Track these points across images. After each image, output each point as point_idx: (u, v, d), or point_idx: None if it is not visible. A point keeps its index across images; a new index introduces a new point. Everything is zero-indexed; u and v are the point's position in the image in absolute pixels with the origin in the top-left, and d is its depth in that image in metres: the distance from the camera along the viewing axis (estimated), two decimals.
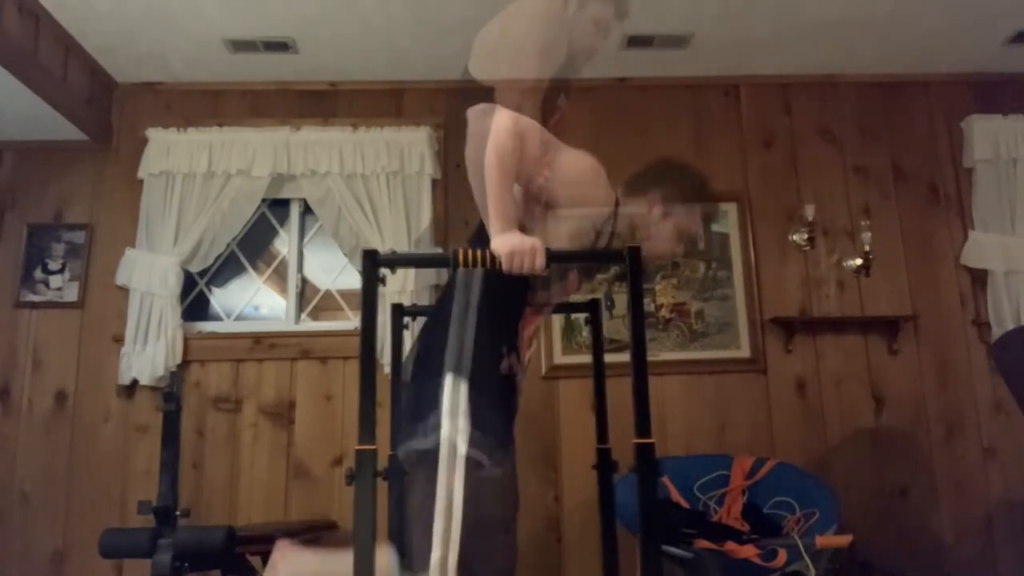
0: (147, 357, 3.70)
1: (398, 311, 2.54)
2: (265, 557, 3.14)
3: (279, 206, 4.17)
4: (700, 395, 3.86)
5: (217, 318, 4.06)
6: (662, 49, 3.89)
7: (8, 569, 3.58)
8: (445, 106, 4.06)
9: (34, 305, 3.85)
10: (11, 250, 3.91)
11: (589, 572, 3.65)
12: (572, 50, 1.97)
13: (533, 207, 1.83)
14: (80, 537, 3.61)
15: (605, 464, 2.24)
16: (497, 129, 1.69)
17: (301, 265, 4.11)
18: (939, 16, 3.65)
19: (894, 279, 4.00)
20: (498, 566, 1.69)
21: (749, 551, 2.66)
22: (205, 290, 4.09)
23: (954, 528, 3.76)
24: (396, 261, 1.89)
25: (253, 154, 3.94)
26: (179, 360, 3.74)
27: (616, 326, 3.84)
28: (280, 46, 3.78)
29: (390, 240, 3.84)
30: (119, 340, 3.76)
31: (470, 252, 1.69)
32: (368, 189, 3.91)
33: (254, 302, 4.10)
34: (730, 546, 2.71)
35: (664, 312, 3.94)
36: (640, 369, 1.67)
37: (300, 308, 4.06)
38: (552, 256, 1.71)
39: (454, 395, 1.74)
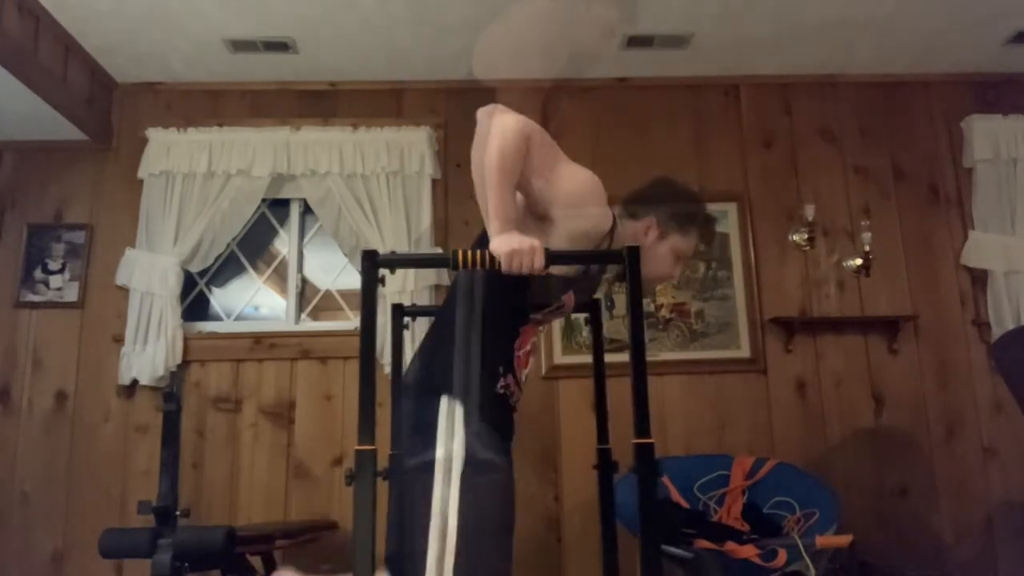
0: (147, 357, 3.70)
1: (398, 311, 2.54)
2: (265, 557, 3.15)
3: (279, 206, 4.17)
4: (700, 395, 3.86)
5: (217, 318, 4.06)
6: (662, 49, 3.89)
7: (8, 569, 3.59)
8: (445, 106, 4.07)
9: (34, 305, 3.85)
10: (11, 250, 3.91)
11: (589, 572, 3.65)
12: (575, 51, 1.96)
13: (527, 217, 1.82)
14: (80, 537, 3.61)
15: (605, 464, 2.24)
16: (503, 129, 1.68)
17: (301, 265, 4.11)
18: (939, 16, 3.65)
19: (894, 279, 4.00)
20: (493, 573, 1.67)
21: (749, 551, 2.66)
22: (205, 290, 4.09)
23: (954, 528, 3.76)
24: (396, 262, 1.89)
25: (253, 154, 3.94)
26: (179, 360, 3.74)
27: (616, 326, 3.84)
28: (280, 46, 3.78)
29: (390, 240, 3.84)
30: (119, 340, 3.76)
31: (469, 253, 1.69)
32: (368, 189, 3.91)
33: (254, 302, 4.10)
34: (730, 546, 2.71)
35: (664, 312, 3.94)
36: (639, 369, 1.67)
37: (300, 308, 4.06)
38: (551, 257, 1.71)
39: (450, 417, 1.75)
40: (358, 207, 3.89)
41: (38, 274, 3.88)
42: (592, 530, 3.64)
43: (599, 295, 2.39)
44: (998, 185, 4.03)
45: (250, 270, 4.12)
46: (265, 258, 4.15)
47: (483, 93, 1.76)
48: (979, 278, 4.00)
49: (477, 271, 1.79)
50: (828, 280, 3.99)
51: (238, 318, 4.07)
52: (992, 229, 3.99)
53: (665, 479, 3.32)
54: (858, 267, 3.91)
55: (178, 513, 3.07)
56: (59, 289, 3.86)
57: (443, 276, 3.78)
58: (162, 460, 3.17)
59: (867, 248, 3.84)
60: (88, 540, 3.53)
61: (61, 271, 3.88)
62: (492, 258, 1.68)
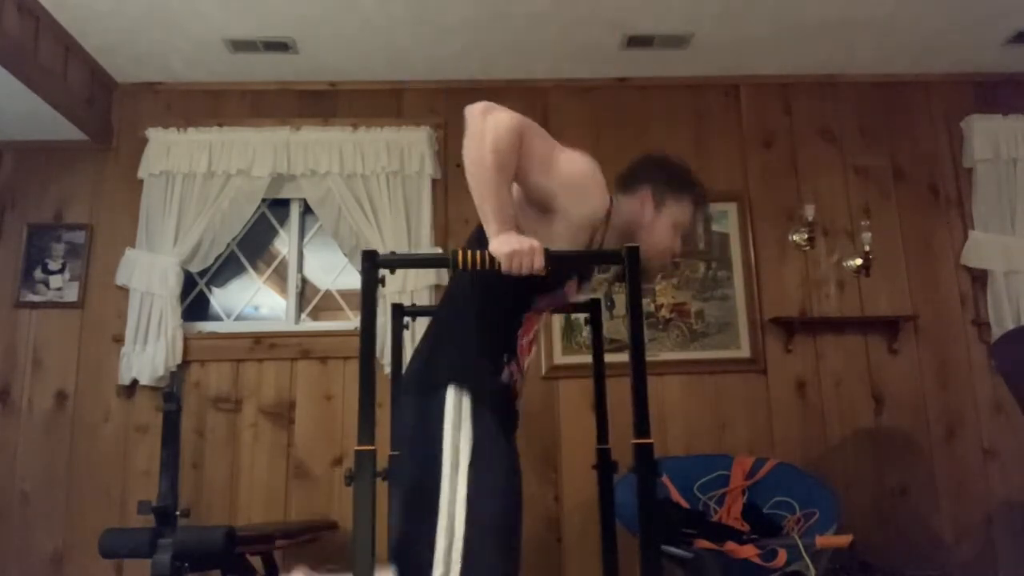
0: (147, 357, 3.70)
1: (398, 311, 2.54)
2: (265, 557, 3.15)
3: (279, 206, 4.17)
4: (700, 395, 3.86)
5: (217, 318, 4.06)
6: (662, 49, 3.89)
7: (8, 569, 3.59)
8: (445, 106, 4.07)
9: (34, 305, 3.85)
10: (11, 250, 3.91)
11: (589, 572, 3.65)
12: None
13: (527, 208, 1.81)
14: (80, 537, 3.61)
15: (605, 464, 2.24)
16: (495, 127, 1.67)
17: (301, 265, 4.11)
18: (939, 16, 3.65)
19: (894, 279, 3.99)
20: (502, 570, 1.67)
21: (749, 551, 2.66)
22: (205, 290, 4.09)
23: (954, 528, 3.76)
24: (396, 262, 1.90)
25: (253, 154, 3.94)
26: (179, 360, 3.74)
27: (616, 326, 3.84)
28: (280, 46, 3.78)
29: (390, 240, 3.84)
30: (119, 340, 3.77)
31: (469, 253, 1.69)
32: (368, 189, 3.91)
33: (254, 302, 4.10)
34: (730, 546, 2.71)
35: (664, 312, 3.94)
36: (639, 369, 1.68)
37: (300, 308, 4.06)
38: (551, 257, 1.71)
39: (457, 408, 1.74)
40: (358, 207, 3.89)
41: (38, 274, 3.88)
42: (592, 530, 3.65)
43: (599, 295, 2.40)
44: (998, 185, 4.03)
45: (250, 270, 4.12)
46: (265, 258, 4.15)
47: (483, 93, 1.75)
48: (979, 278, 4.00)
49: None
50: (828, 280, 3.99)
51: (238, 318, 4.07)
52: (992, 229, 3.99)
53: (665, 479, 3.33)
54: (858, 267, 3.91)
55: (178, 513, 3.07)
56: (59, 289, 3.86)
57: (443, 276, 3.78)
58: (162, 460, 3.17)
59: (867, 248, 3.84)
60: (88, 540, 3.52)
61: (61, 271, 3.88)
62: (492, 259, 1.68)
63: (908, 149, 4.16)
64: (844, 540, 2.70)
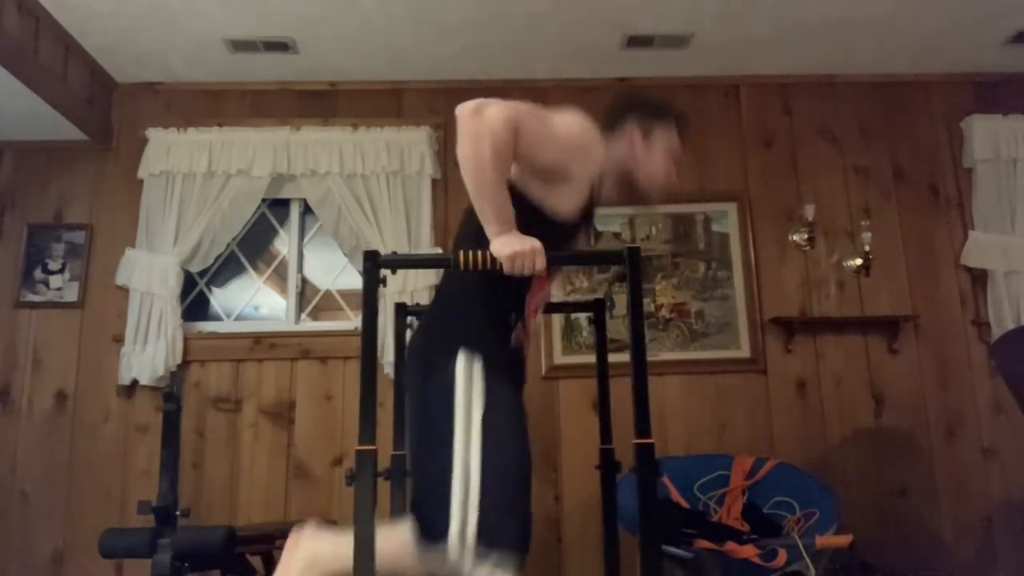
0: (147, 357, 3.70)
1: (401, 311, 2.54)
2: (265, 557, 3.15)
3: (279, 206, 4.17)
4: (700, 395, 3.86)
5: (217, 318, 4.06)
6: (662, 49, 3.89)
7: (8, 569, 3.59)
8: (445, 106, 4.06)
9: (34, 305, 3.85)
10: (11, 250, 3.91)
11: (589, 572, 3.65)
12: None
13: (532, 181, 1.80)
14: (80, 537, 3.61)
15: (608, 464, 2.24)
16: (490, 126, 1.65)
17: (301, 265, 4.11)
18: (939, 16, 3.65)
19: (894, 279, 4.00)
20: (515, 533, 1.69)
21: (749, 551, 2.66)
22: (205, 290, 4.09)
23: (954, 528, 3.76)
24: (397, 263, 1.90)
25: (253, 154, 3.94)
26: (179, 360, 3.74)
27: (616, 326, 3.84)
28: (280, 46, 3.78)
29: (390, 240, 3.84)
30: (119, 340, 3.76)
31: (471, 254, 1.69)
32: (368, 189, 3.91)
33: (254, 302, 4.10)
34: (730, 546, 2.71)
35: (664, 312, 3.94)
36: (640, 369, 1.68)
37: (300, 308, 4.06)
38: (552, 258, 1.72)
39: (468, 368, 1.75)
40: (358, 207, 3.89)
41: (38, 274, 3.88)
42: (592, 530, 3.65)
43: (600, 295, 2.40)
44: (998, 185, 4.03)
45: (250, 270, 4.12)
46: (265, 258, 4.15)
47: (483, 93, 1.75)
48: (979, 278, 4.00)
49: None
50: (828, 280, 3.99)
51: (238, 318, 4.07)
52: (992, 229, 3.99)
53: (665, 479, 3.33)
54: (858, 267, 3.91)
55: (178, 513, 3.07)
56: (59, 289, 3.86)
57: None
58: (162, 460, 3.17)
59: (867, 248, 3.85)
60: (88, 540, 3.53)
61: (61, 271, 3.88)
62: (494, 260, 1.68)
63: (908, 149, 4.16)
64: (844, 540, 2.71)
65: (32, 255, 3.89)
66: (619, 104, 2.05)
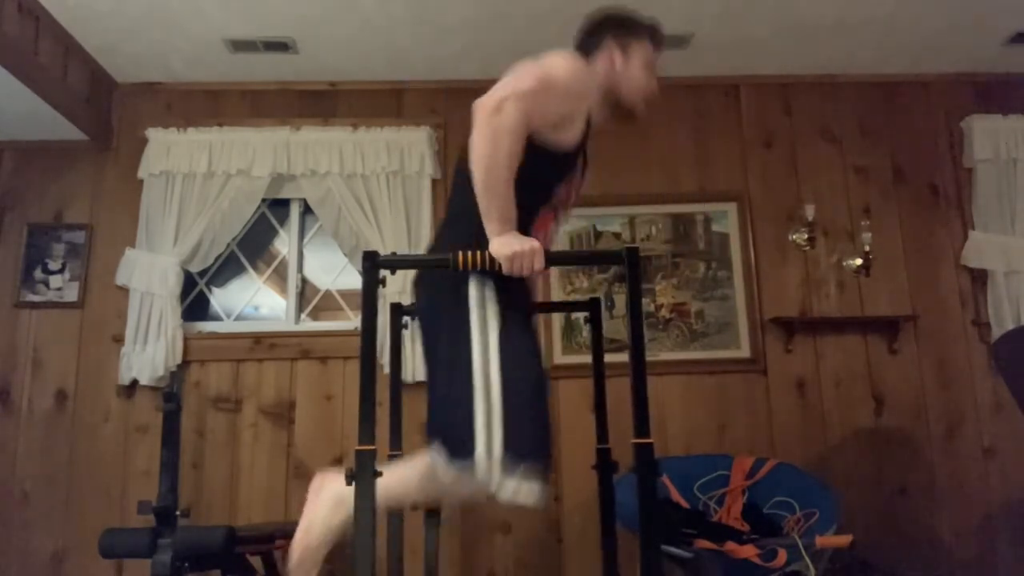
0: (147, 357, 3.70)
1: (397, 311, 2.54)
2: (265, 557, 3.15)
3: (279, 206, 4.17)
4: (700, 395, 3.86)
5: (217, 318, 4.06)
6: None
7: (8, 569, 3.59)
8: (445, 106, 4.07)
9: (34, 305, 3.85)
10: (11, 250, 3.91)
11: (589, 572, 3.65)
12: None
13: (537, 131, 1.81)
14: (80, 537, 3.61)
15: (605, 464, 2.25)
16: (508, 126, 1.68)
17: (301, 265, 4.11)
18: (939, 16, 3.65)
19: (894, 279, 4.00)
20: (540, 444, 1.73)
21: (749, 551, 2.66)
22: (205, 290, 4.09)
23: (954, 528, 3.76)
24: (397, 263, 1.90)
25: (253, 154, 3.94)
26: (179, 360, 3.74)
27: (616, 326, 3.84)
28: (280, 46, 3.78)
29: (390, 240, 3.85)
30: (119, 340, 3.77)
31: (470, 254, 1.69)
32: (368, 189, 3.92)
33: (254, 302, 4.10)
34: (730, 546, 2.71)
35: (664, 312, 3.94)
36: (639, 369, 1.68)
37: (300, 308, 4.06)
38: (551, 258, 1.72)
39: (480, 292, 1.78)
40: (358, 207, 3.89)
41: (38, 274, 3.88)
42: (592, 530, 3.65)
43: (599, 295, 2.40)
44: (998, 185, 4.03)
45: (250, 270, 4.12)
46: (265, 258, 4.15)
47: (483, 93, 1.75)
48: (979, 278, 4.00)
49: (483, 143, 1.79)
50: (828, 280, 3.99)
51: (238, 318, 4.07)
52: (992, 229, 3.99)
53: (665, 479, 3.33)
54: (858, 267, 3.91)
55: (178, 513, 3.07)
56: (59, 289, 3.86)
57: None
58: (162, 460, 3.17)
59: (867, 248, 3.85)
60: (88, 540, 3.53)
61: (61, 271, 3.88)
62: (493, 260, 1.68)
63: (908, 149, 4.16)
64: (844, 540, 2.70)
65: (32, 255, 3.90)
66: (593, 25, 2.07)
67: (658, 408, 3.77)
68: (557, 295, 3.86)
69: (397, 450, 2.51)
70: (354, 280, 4.07)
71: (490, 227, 1.71)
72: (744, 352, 3.90)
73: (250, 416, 3.79)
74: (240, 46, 3.76)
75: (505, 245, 1.67)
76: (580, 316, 3.88)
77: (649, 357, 1.73)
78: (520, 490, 1.66)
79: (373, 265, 1.71)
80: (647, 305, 3.92)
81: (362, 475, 1.63)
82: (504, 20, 3.59)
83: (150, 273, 3.77)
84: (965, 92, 4.21)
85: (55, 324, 3.84)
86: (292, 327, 3.99)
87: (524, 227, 1.79)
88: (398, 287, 3.74)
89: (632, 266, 1.72)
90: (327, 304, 4.10)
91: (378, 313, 1.74)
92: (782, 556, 2.64)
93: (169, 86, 4.11)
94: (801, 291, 3.98)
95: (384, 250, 3.74)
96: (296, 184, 4.01)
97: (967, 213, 4.07)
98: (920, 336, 3.94)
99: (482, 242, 1.74)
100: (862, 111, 4.19)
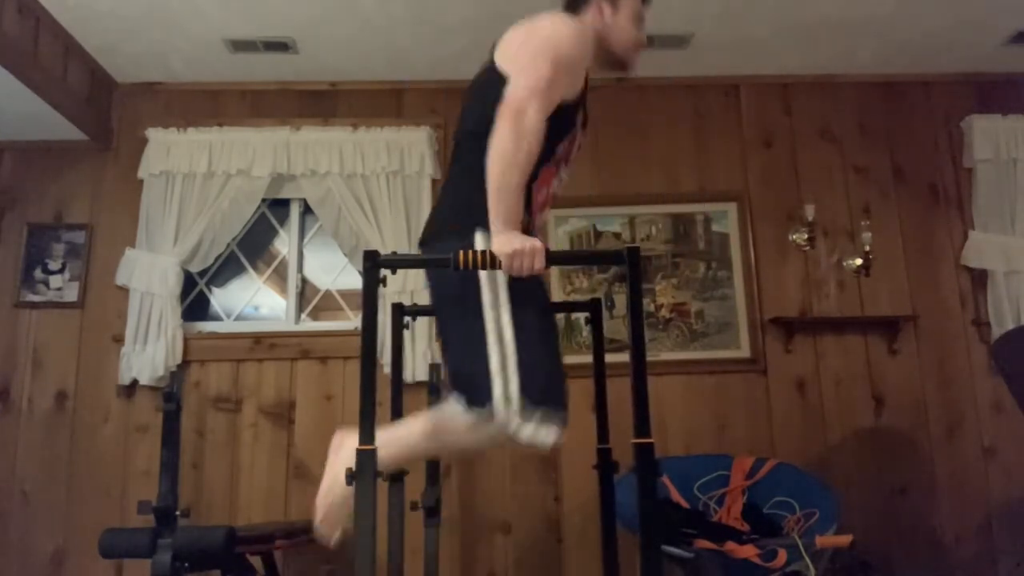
0: (147, 357, 3.70)
1: (398, 311, 2.54)
2: (265, 557, 3.15)
3: (279, 206, 4.17)
4: (700, 395, 3.86)
5: (217, 318, 4.06)
6: (662, 49, 3.89)
7: (8, 569, 3.59)
8: (445, 106, 4.07)
9: (34, 305, 3.85)
10: (11, 250, 3.91)
11: (589, 572, 3.65)
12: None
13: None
14: (80, 537, 3.61)
15: (606, 464, 2.24)
16: (530, 130, 1.72)
17: (301, 265, 4.11)
18: (939, 16, 3.65)
19: (894, 279, 4.00)
20: (555, 388, 1.77)
21: (749, 551, 2.66)
22: (205, 290, 4.09)
23: (954, 528, 3.76)
24: (397, 262, 1.90)
25: (253, 154, 3.94)
26: (179, 360, 3.74)
27: (616, 326, 3.84)
28: (280, 46, 3.78)
29: (390, 240, 3.85)
30: (119, 340, 3.77)
31: (471, 253, 1.69)
32: (368, 189, 3.92)
33: (254, 302, 4.10)
34: (730, 546, 2.71)
35: (664, 312, 3.94)
36: (639, 369, 1.68)
37: (300, 308, 4.06)
38: (552, 258, 1.72)
39: (487, 245, 1.79)
40: (358, 207, 3.89)
41: (38, 274, 3.88)
42: (592, 530, 3.65)
43: (599, 295, 2.40)
44: (998, 185, 4.03)
45: (250, 270, 4.12)
46: (265, 258, 4.15)
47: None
48: (979, 278, 4.00)
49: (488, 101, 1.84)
50: (828, 280, 3.99)
51: (238, 318, 4.07)
52: (992, 229, 3.99)
53: (665, 479, 3.33)
54: (858, 267, 3.91)
55: (178, 513, 3.07)
56: (59, 289, 3.86)
57: None
58: (162, 460, 3.17)
59: (867, 248, 3.85)
60: (88, 540, 3.54)
61: (61, 271, 3.88)
62: (494, 258, 1.69)
63: (908, 149, 4.16)
64: (844, 540, 2.70)
65: (32, 255, 3.89)
66: None
67: (658, 408, 3.77)
68: (557, 295, 3.86)
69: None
70: (354, 280, 4.07)
71: (495, 223, 1.72)
72: (744, 352, 3.90)
73: (250, 416, 3.79)
74: (240, 46, 3.76)
75: (507, 243, 1.68)
76: (580, 316, 3.89)
77: (649, 357, 1.73)
78: (538, 433, 1.71)
79: (374, 265, 1.71)
80: (647, 305, 3.92)
81: (362, 475, 1.63)
82: (504, 20, 3.54)
83: (150, 273, 3.77)
84: (965, 92, 4.21)
85: (55, 324, 3.84)
86: (292, 327, 3.99)
87: (527, 184, 1.82)
88: (397, 287, 3.74)
89: (633, 266, 1.72)
90: (327, 304, 4.10)
91: (378, 312, 1.74)
92: (782, 556, 2.64)
93: (169, 86, 4.11)
94: (801, 291, 3.98)
95: (384, 250, 3.73)
96: (296, 184, 4.01)
97: (967, 213, 4.07)
98: (920, 336, 3.95)
99: (480, 222, 1.77)
100: (862, 111, 4.19)
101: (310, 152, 3.95)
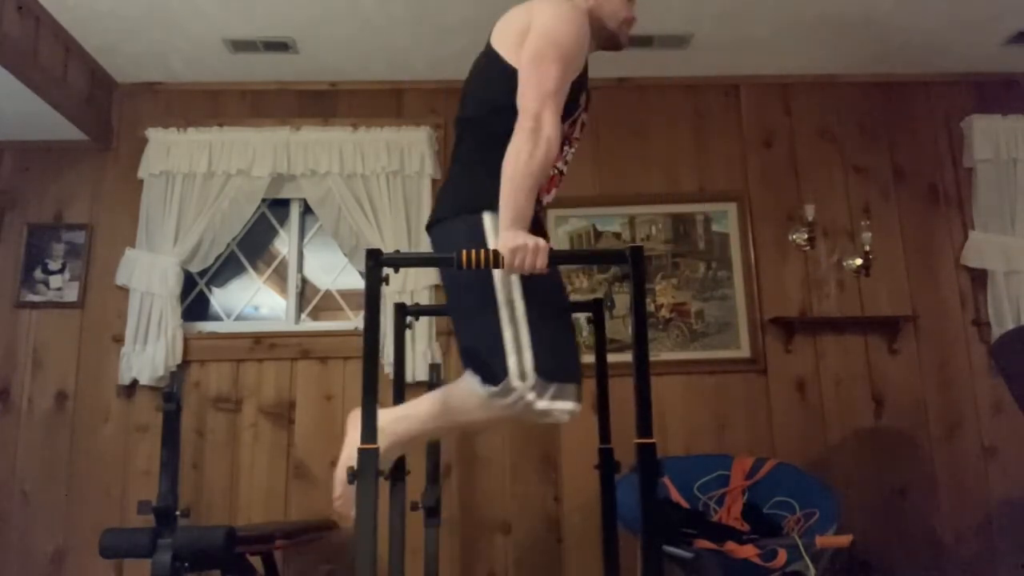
0: (147, 357, 3.69)
1: (401, 311, 2.54)
2: (265, 557, 3.14)
3: (279, 206, 4.17)
4: (700, 395, 3.86)
5: (217, 318, 4.06)
6: (662, 49, 3.89)
7: (8, 569, 3.58)
8: (445, 106, 4.06)
9: (34, 305, 3.85)
10: (11, 250, 3.91)
11: (589, 572, 3.65)
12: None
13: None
14: (80, 537, 3.61)
15: (608, 464, 2.24)
16: (548, 140, 1.74)
17: (301, 265, 4.11)
18: (939, 16, 3.65)
19: (894, 279, 4.00)
20: (569, 362, 1.79)
21: (749, 551, 2.66)
22: (205, 290, 4.09)
23: (954, 528, 3.76)
24: (400, 261, 1.90)
25: (253, 154, 3.94)
26: (179, 360, 3.74)
27: (616, 326, 3.84)
28: (280, 46, 3.78)
29: (390, 240, 3.84)
30: (119, 340, 3.76)
31: (473, 252, 1.69)
32: (368, 189, 3.92)
33: (254, 302, 4.10)
34: (730, 546, 2.71)
35: (664, 312, 3.94)
36: (642, 369, 1.68)
37: (300, 308, 4.05)
38: (555, 257, 1.72)
39: (495, 225, 1.82)
40: (358, 207, 3.89)
41: (38, 274, 3.87)
42: (592, 530, 3.65)
43: (600, 295, 2.40)
44: (998, 185, 4.03)
45: (250, 270, 4.12)
46: (265, 258, 4.15)
47: None
48: (979, 278, 4.00)
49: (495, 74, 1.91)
50: (828, 280, 3.99)
51: (238, 318, 4.07)
52: (992, 229, 3.99)
53: (665, 479, 3.33)
54: (858, 267, 3.91)
55: (178, 513, 3.07)
56: (59, 289, 3.86)
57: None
58: (162, 460, 3.16)
59: (867, 248, 3.85)
60: (88, 540, 3.53)
61: (61, 271, 3.88)
62: (496, 255, 1.69)
63: (908, 149, 4.16)
64: (844, 540, 2.70)
65: (32, 255, 3.89)
66: None
67: (658, 408, 3.77)
68: None
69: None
70: (354, 280, 4.07)
71: (503, 221, 1.73)
72: (744, 352, 3.90)
73: (250, 416, 3.79)
74: (240, 46, 3.76)
75: (510, 240, 1.68)
76: (581, 316, 3.89)
77: (650, 357, 1.73)
78: (553, 406, 1.74)
79: (376, 263, 1.71)
80: (647, 305, 3.92)
81: (364, 474, 1.63)
82: None
83: (150, 273, 3.77)
84: (965, 92, 4.21)
85: (55, 324, 3.84)
86: (292, 327, 3.99)
87: None
88: (398, 287, 3.74)
89: (636, 266, 1.71)
90: (327, 304, 4.09)
91: (380, 311, 1.74)
92: (782, 556, 2.64)
93: (169, 86, 4.11)
94: (801, 291, 3.98)
95: (384, 250, 3.73)
96: (296, 184, 4.01)
97: (967, 213, 4.07)
98: (920, 336, 3.95)
99: (487, 205, 1.80)
100: (862, 111, 4.19)
101: (310, 152, 3.95)
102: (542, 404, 1.73)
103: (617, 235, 3.99)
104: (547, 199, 2.03)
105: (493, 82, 1.91)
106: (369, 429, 1.65)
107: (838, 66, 4.13)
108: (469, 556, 3.68)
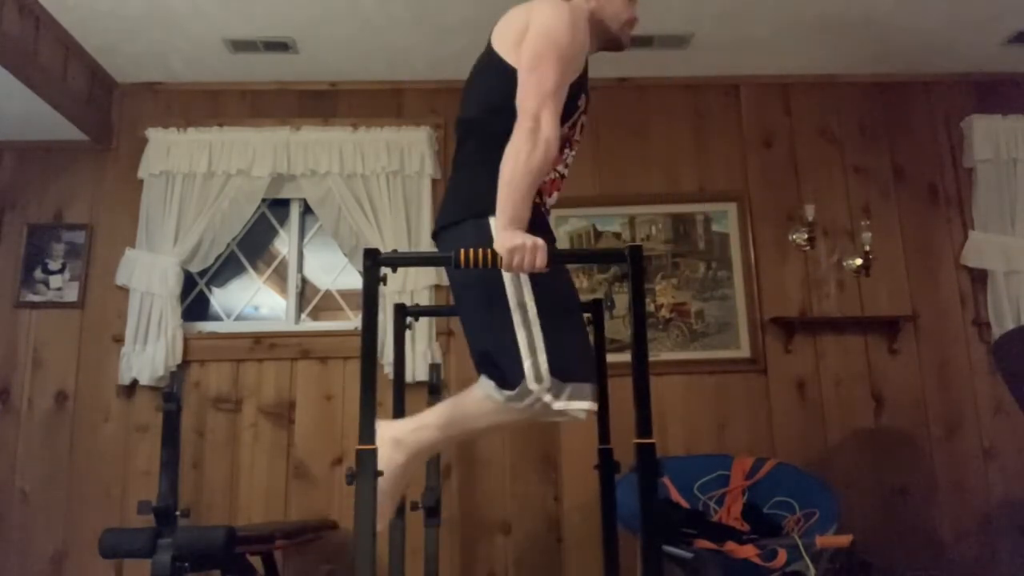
0: (147, 357, 3.69)
1: (400, 311, 2.54)
2: (265, 557, 3.14)
3: (279, 206, 4.17)
4: (700, 395, 3.86)
5: (217, 318, 4.06)
6: (662, 49, 3.89)
7: (8, 569, 3.58)
8: (445, 106, 4.06)
9: (34, 305, 3.85)
10: (11, 250, 3.91)
11: (589, 572, 3.65)
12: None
13: None
14: (80, 537, 3.61)
15: (607, 464, 2.24)
16: (547, 146, 1.74)
17: (301, 265, 4.11)
18: (939, 16, 3.65)
19: (894, 279, 4.00)
20: (583, 364, 1.80)
21: (749, 551, 2.66)
22: (205, 290, 4.09)
23: (954, 528, 3.76)
24: (398, 260, 1.90)
25: (253, 154, 3.94)
26: (179, 360, 3.74)
27: (616, 326, 3.84)
28: (280, 46, 3.78)
29: (390, 240, 3.85)
30: (119, 340, 3.76)
31: (471, 251, 1.69)
32: (368, 189, 3.92)
33: (254, 302, 4.10)
34: (730, 546, 2.71)
35: (664, 312, 3.94)
36: (642, 369, 1.68)
37: (300, 308, 4.06)
38: (555, 256, 1.72)
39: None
40: (358, 207, 3.89)
41: (38, 274, 3.88)
42: (592, 530, 3.65)
43: (600, 295, 2.40)
44: (998, 185, 4.03)
45: (250, 270, 4.12)
46: (265, 258, 4.15)
47: None
48: (979, 278, 4.00)
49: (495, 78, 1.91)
50: (828, 280, 3.99)
51: (238, 318, 4.07)
52: (992, 229, 3.99)
53: (665, 479, 3.32)
54: (858, 267, 3.91)
55: (178, 513, 3.07)
56: (59, 289, 3.86)
57: (443, 276, 3.78)
58: (162, 460, 3.17)
59: (867, 248, 3.84)
60: (88, 540, 3.53)
61: (61, 271, 3.88)
62: (495, 255, 1.68)
63: (908, 149, 4.16)
64: (844, 540, 2.70)
65: (32, 255, 3.89)
66: None
67: (658, 408, 3.76)
68: None
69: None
70: (354, 280, 4.07)
71: (500, 220, 1.73)
72: (744, 352, 3.90)
73: (250, 416, 3.79)
74: (240, 46, 3.76)
75: (508, 239, 1.68)
76: None
77: (649, 357, 1.73)
78: (570, 407, 1.75)
79: (374, 263, 1.71)
80: (647, 305, 3.92)
81: (363, 475, 1.63)
82: None
83: (150, 273, 3.77)
84: (965, 92, 4.21)
85: (55, 324, 3.84)
86: (292, 327, 3.99)
87: None
88: (397, 287, 3.74)
89: (636, 265, 1.72)
90: (327, 304, 4.09)
91: (379, 311, 1.74)
92: (782, 556, 2.63)
93: (169, 86, 4.11)
94: (801, 291, 3.98)
95: (384, 250, 3.73)
96: (296, 184, 4.01)
97: (967, 213, 4.07)
98: (920, 336, 3.95)
99: (493, 210, 1.78)
100: (862, 111, 4.19)
101: (310, 152, 3.95)
102: (559, 405, 1.74)
103: (617, 235, 3.99)
104: (550, 202, 2.02)
105: (493, 83, 1.91)
106: (368, 429, 1.65)
107: (838, 66, 4.13)
108: (469, 556, 3.68)
